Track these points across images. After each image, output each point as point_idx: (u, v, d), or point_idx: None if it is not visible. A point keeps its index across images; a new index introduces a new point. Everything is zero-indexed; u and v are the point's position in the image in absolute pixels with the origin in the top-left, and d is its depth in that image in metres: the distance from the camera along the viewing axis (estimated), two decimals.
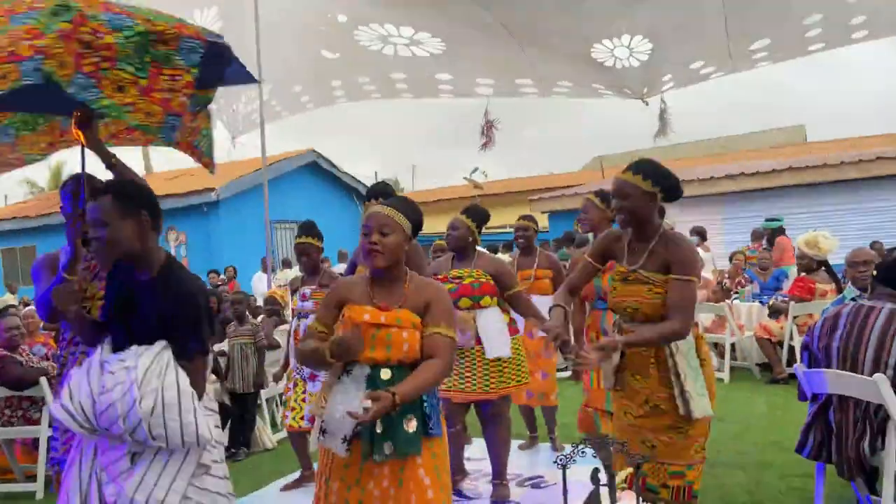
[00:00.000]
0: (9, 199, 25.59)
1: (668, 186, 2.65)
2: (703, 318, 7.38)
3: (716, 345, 7.44)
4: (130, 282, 2.26)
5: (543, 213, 15.22)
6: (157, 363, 2.11)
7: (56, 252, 2.99)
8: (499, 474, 4.00)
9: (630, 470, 1.23)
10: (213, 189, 13.62)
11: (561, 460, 1.24)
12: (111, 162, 2.78)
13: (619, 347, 2.60)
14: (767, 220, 10.28)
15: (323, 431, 2.29)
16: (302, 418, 4.31)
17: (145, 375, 2.07)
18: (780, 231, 9.81)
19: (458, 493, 4.07)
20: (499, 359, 3.84)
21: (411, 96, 8.74)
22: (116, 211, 2.18)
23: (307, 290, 4.47)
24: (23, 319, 5.88)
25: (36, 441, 4.76)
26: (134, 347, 2.15)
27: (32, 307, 7.35)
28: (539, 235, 5.51)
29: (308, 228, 4.49)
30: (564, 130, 60.59)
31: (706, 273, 8.43)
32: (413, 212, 2.39)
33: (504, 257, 9.35)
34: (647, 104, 7.87)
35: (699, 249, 9.34)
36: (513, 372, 3.92)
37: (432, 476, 2.27)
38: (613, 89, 8.51)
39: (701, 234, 10.23)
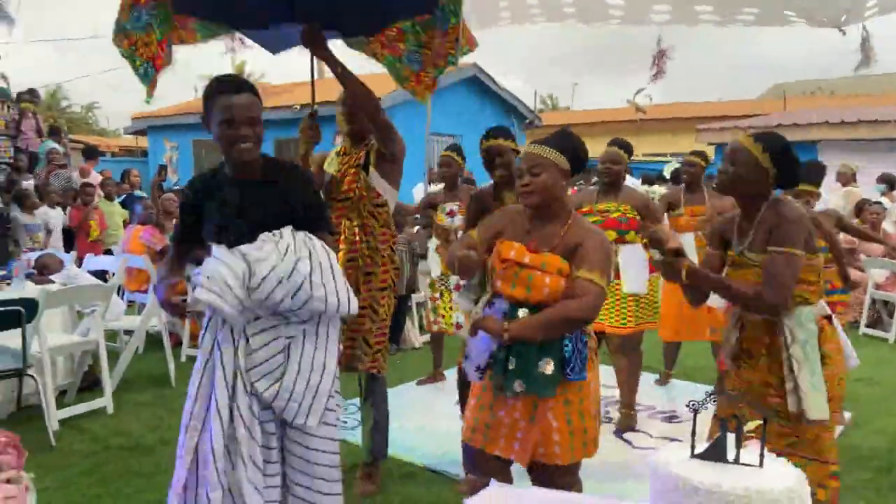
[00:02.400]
0: (198, 90, 27.92)
1: (786, 172, 2.28)
2: (877, 273, 6.83)
3: (886, 303, 6.93)
4: (242, 186, 2.24)
5: (710, 144, 14.30)
6: (297, 236, 2.20)
7: None
8: (626, 404, 4.14)
9: (759, 422, 1.29)
10: (377, 99, 14.10)
11: (693, 405, 1.33)
12: (339, 71, 2.85)
13: (695, 279, 2.27)
14: None
15: (465, 356, 2.34)
16: (451, 324, 4.80)
17: (295, 243, 2.15)
18: None
19: None
20: (635, 294, 3.90)
21: (576, 20, 8.38)
22: (260, 110, 2.19)
23: (454, 206, 4.77)
24: None
25: None
26: (263, 234, 2.17)
27: None
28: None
29: (454, 146, 4.88)
30: (741, 54, 55.47)
31: (888, 226, 7.71)
32: (572, 146, 2.28)
33: (660, 189, 9.07)
34: (843, 33, 7.07)
35: (884, 199, 8.50)
36: (648, 309, 4.01)
37: (561, 421, 2.21)
38: (806, 17, 7.66)
39: (889, 182, 9.26)
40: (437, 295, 4.92)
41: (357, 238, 3.04)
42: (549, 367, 2.13)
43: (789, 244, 2.19)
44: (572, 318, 2.12)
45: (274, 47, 3.43)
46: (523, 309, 2.17)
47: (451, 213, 4.82)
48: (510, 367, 2.16)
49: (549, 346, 2.15)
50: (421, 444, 3.83)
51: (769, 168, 2.28)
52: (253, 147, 2.18)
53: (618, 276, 3.89)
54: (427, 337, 5.88)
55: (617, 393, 4.29)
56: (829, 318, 2.35)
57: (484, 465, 2.33)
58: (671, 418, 4.31)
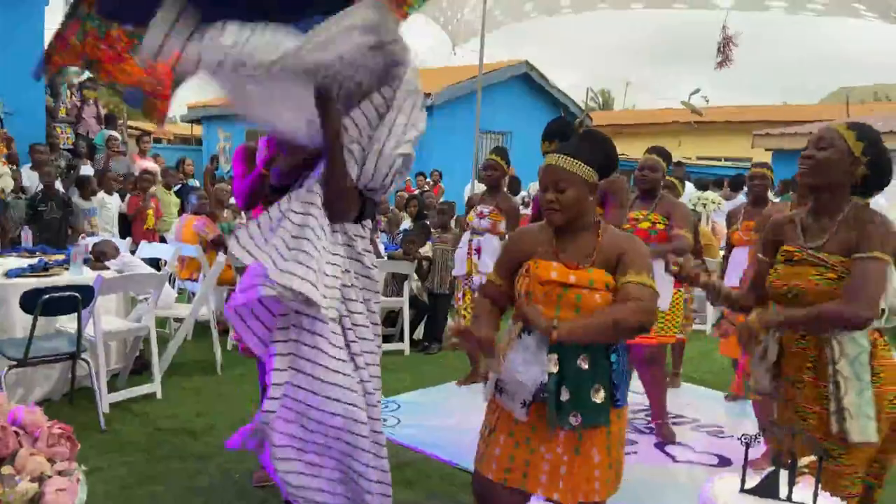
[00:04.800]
0: None
1: (877, 163, 2.10)
2: None
3: None
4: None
5: (767, 150, 13.89)
6: None
7: (254, 145, 3.15)
8: (658, 414, 4.07)
9: (813, 458, 1.23)
10: (428, 94, 14.14)
11: (745, 439, 1.28)
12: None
13: (770, 325, 2.10)
14: None
15: (501, 390, 2.13)
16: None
17: None
18: None
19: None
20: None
21: (642, 6, 8.27)
22: None
23: (485, 209, 4.73)
24: None
25: None
26: None
27: None
28: None
29: (499, 150, 4.85)
30: (805, 54, 53.58)
31: None
32: (599, 153, 2.11)
33: (712, 195, 8.86)
34: None
35: None
36: (671, 323, 3.96)
37: (603, 454, 2.06)
38: (877, 11, 7.41)
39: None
40: (460, 294, 4.92)
41: None
42: (600, 395, 1.98)
43: (875, 248, 2.02)
44: (629, 323, 1.95)
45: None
46: None
47: (481, 215, 4.75)
48: (562, 398, 1.98)
49: (598, 374, 2.01)
50: (462, 444, 3.83)
51: (860, 158, 2.09)
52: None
53: None
54: None
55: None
56: (880, 331, 2.17)
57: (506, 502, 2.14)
58: (717, 433, 4.21)
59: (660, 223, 3.82)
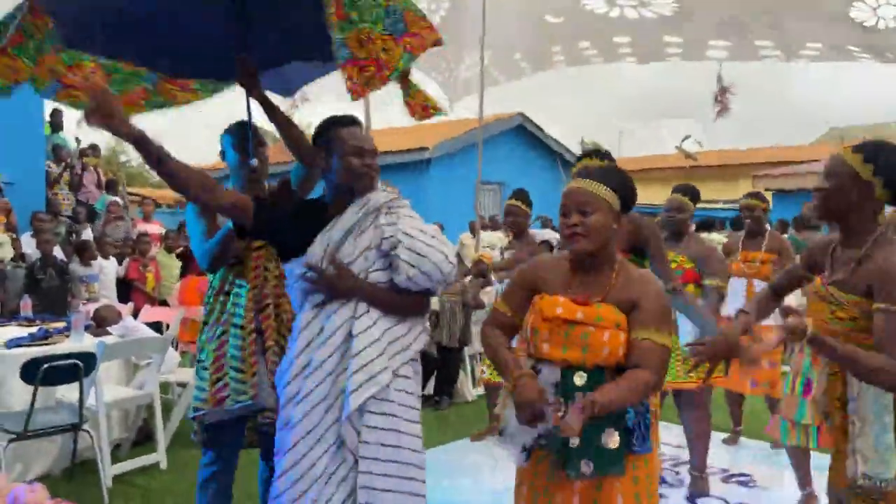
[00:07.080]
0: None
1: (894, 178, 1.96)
2: None
3: None
4: None
5: (768, 190, 13.99)
6: None
7: None
8: (696, 466, 3.87)
9: None
10: (426, 148, 14.27)
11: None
12: (274, 114, 2.65)
13: (816, 343, 1.93)
14: None
15: (501, 432, 2.02)
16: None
17: None
18: None
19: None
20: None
21: (634, 60, 8.33)
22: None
23: (510, 255, 4.66)
24: None
25: None
26: None
27: None
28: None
29: (519, 193, 4.76)
30: (796, 96, 54.56)
31: None
32: (622, 184, 1.99)
33: (718, 237, 8.81)
34: None
35: None
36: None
37: (630, 503, 1.90)
38: (872, 52, 7.47)
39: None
40: None
41: (276, 286, 2.69)
42: (613, 440, 1.83)
43: None
44: (648, 389, 1.85)
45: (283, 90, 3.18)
46: (580, 373, 1.87)
47: (502, 252, 4.78)
48: (571, 444, 1.84)
49: (611, 416, 1.82)
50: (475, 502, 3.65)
51: (872, 181, 1.95)
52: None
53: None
54: (481, 390, 5.72)
55: (686, 453, 4.03)
56: None
57: None
58: (746, 483, 4.02)
59: (686, 264, 3.70)
